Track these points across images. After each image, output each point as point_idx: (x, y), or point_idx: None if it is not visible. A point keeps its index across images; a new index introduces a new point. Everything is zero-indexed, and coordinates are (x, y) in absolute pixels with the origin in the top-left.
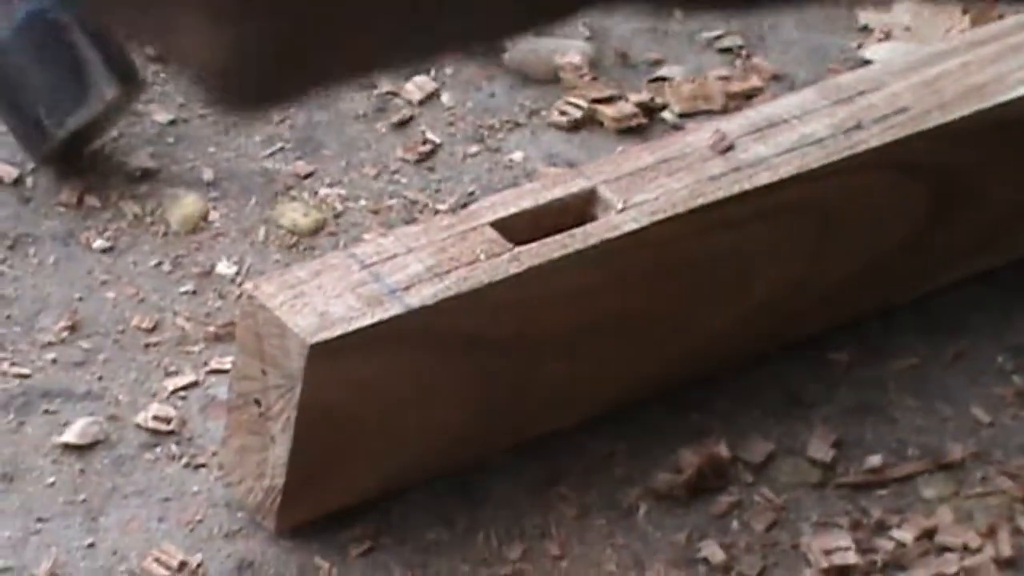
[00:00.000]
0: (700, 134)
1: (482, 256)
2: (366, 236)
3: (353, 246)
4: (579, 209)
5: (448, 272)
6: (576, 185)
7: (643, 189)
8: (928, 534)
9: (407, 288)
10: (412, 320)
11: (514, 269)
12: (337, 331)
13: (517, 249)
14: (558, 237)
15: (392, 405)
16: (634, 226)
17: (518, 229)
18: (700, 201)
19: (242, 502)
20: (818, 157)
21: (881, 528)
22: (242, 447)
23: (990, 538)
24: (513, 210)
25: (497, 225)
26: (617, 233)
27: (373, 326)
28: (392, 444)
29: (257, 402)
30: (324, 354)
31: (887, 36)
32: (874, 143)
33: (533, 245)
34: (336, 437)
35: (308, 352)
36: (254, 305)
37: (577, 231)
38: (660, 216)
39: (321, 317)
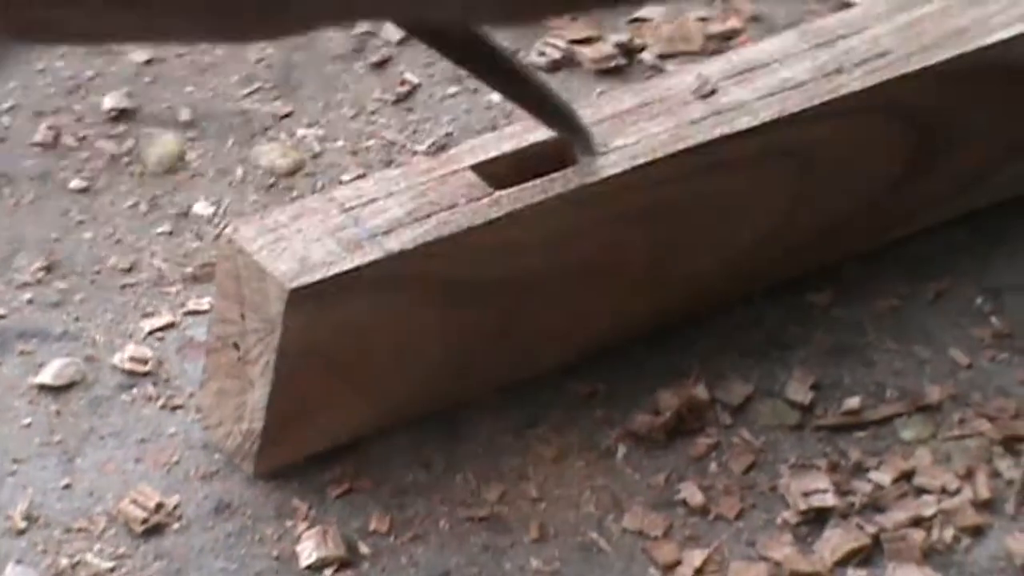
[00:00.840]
0: (681, 77)
1: (462, 200)
2: (344, 177)
3: (333, 189)
4: (560, 153)
5: (428, 216)
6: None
7: (623, 133)
8: (906, 476)
9: (387, 232)
10: (392, 264)
11: (494, 213)
12: (317, 276)
13: (497, 193)
14: (538, 181)
15: (372, 349)
16: (615, 170)
17: (498, 173)
18: (681, 145)
19: (220, 445)
20: (799, 101)
21: (859, 470)
22: (220, 390)
23: (968, 480)
24: (493, 153)
25: (477, 169)
26: (597, 177)
27: (353, 271)
28: (371, 388)
29: (236, 345)
30: (304, 299)
31: None
32: (855, 87)
33: (513, 189)
34: (315, 381)
35: (288, 296)
36: (233, 249)
37: (557, 175)
38: (641, 160)
39: (301, 262)
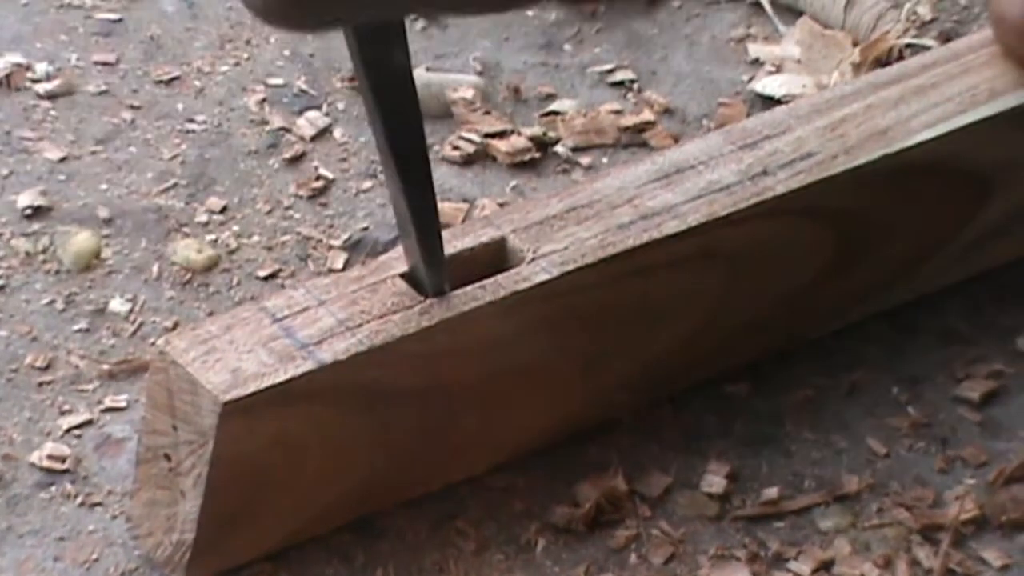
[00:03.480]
0: (607, 181)
1: (393, 309)
2: (260, 273)
3: (264, 299)
4: (489, 258)
5: (360, 326)
6: (486, 235)
7: (552, 238)
8: (826, 566)
9: (319, 343)
10: (325, 376)
11: (425, 322)
12: (250, 388)
13: (428, 302)
14: (468, 289)
15: (303, 458)
16: (544, 277)
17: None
18: (610, 251)
19: (151, 555)
20: (726, 204)
21: (779, 560)
22: (151, 501)
23: (887, 569)
24: None
25: (406, 277)
26: (528, 284)
27: (286, 382)
28: (302, 497)
29: (167, 457)
30: (237, 411)
31: (778, 69)
32: (781, 189)
33: (443, 298)
34: (247, 491)
35: (221, 409)
36: (165, 361)
37: (487, 282)
38: (570, 266)
39: (233, 374)
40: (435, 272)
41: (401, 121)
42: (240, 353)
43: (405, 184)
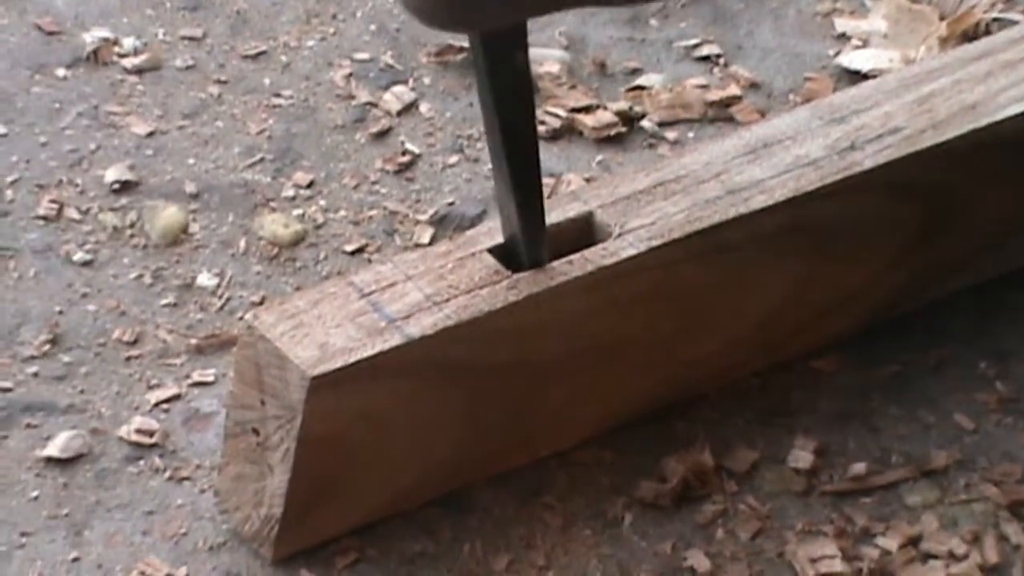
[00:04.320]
0: (695, 155)
1: (481, 284)
2: (347, 248)
3: (351, 273)
4: (576, 233)
5: (447, 300)
6: (573, 209)
7: (639, 213)
8: (913, 541)
9: (407, 318)
10: (412, 350)
11: (513, 297)
12: (337, 363)
13: (515, 276)
14: (556, 264)
15: (390, 433)
16: (631, 252)
17: (516, 255)
18: (697, 226)
19: (239, 530)
20: (813, 179)
21: (866, 535)
22: (239, 475)
23: (975, 545)
24: None
25: (495, 251)
26: (615, 260)
27: (373, 357)
28: (389, 471)
29: (255, 431)
30: (324, 386)
31: (864, 43)
32: (868, 164)
33: (531, 272)
34: (334, 466)
35: (309, 384)
36: (254, 335)
37: (575, 258)
38: (657, 241)
39: (321, 348)
40: (535, 243)
41: (517, 117)
42: (328, 328)
43: (512, 169)
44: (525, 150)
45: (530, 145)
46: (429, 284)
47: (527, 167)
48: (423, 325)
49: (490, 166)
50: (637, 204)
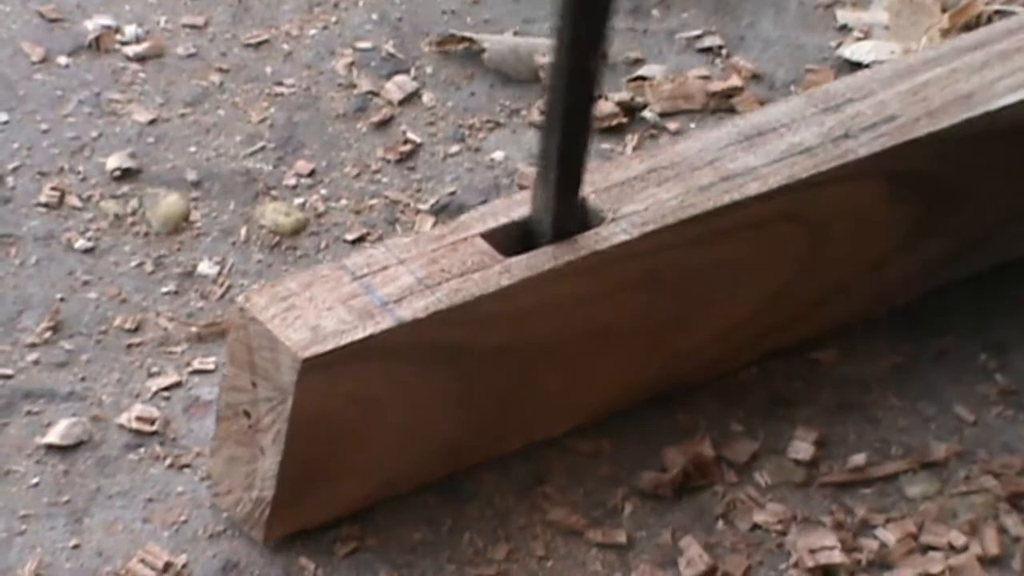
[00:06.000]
0: (688, 142)
1: (473, 268)
2: (348, 237)
3: (343, 256)
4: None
5: (439, 284)
6: None
7: (632, 199)
8: (912, 533)
9: (398, 301)
10: (403, 333)
11: (505, 281)
12: (329, 345)
13: (508, 261)
14: (548, 248)
15: (382, 417)
16: (624, 237)
17: (508, 240)
18: (690, 212)
19: (230, 512)
20: (807, 167)
21: (865, 527)
22: (231, 458)
23: (974, 537)
24: (503, 220)
25: (487, 236)
26: (607, 245)
27: (365, 340)
28: (381, 455)
29: (247, 414)
30: (316, 368)
31: (866, 35)
32: (863, 152)
33: (523, 257)
34: (326, 449)
35: (300, 366)
36: (245, 318)
37: (566, 242)
38: (650, 227)
39: (313, 331)
40: (564, 213)
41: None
42: (320, 310)
43: (566, 125)
44: (586, 99)
45: (590, 99)
46: (421, 268)
47: (582, 123)
48: (415, 308)
49: (490, 156)
50: (631, 190)
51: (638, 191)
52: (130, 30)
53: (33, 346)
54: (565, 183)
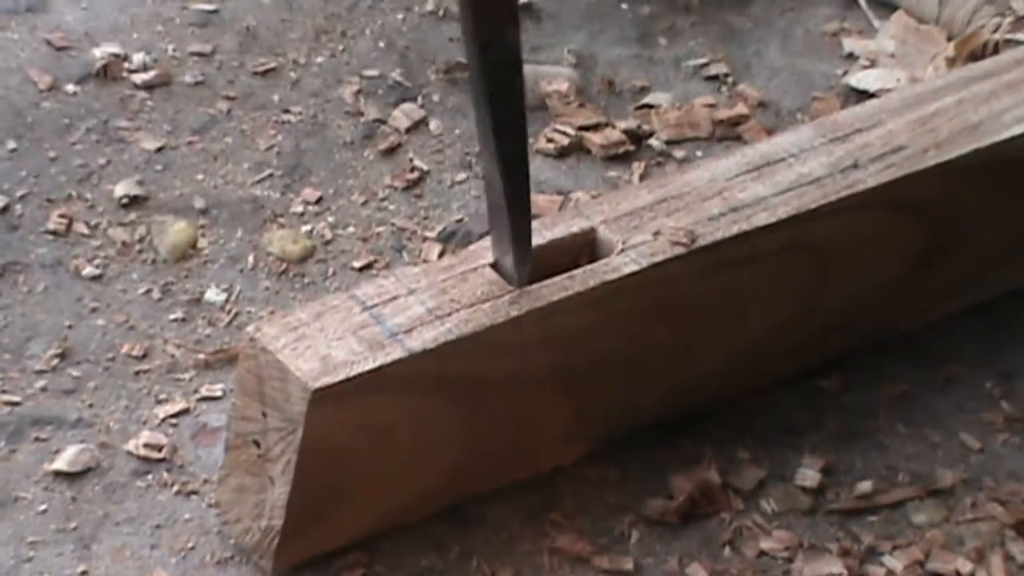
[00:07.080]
0: (697, 172)
1: (482, 298)
2: (355, 264)
3: (352, 285)
4: (578, 249)
5: (449, 315)
6: (575, 225)
7: (642, 229)
8: (919, 560)
9: (408, 331)
10: (413, 364)
11: (515, 312)
12: (339, 376)
13: (517, 291)
14: (558, 279)
15: (391, 446)
16: (633, 268)
17: None
18: (699, 242)
19: (239, 541)
20: (815, 197)
21: (872, 554)
22: (240, 486)
23: (981, 564)
24: None
25: (496, 266)
26: (616, 275)
27: (375, 370)
28: (391, 484)
29: (256, 443)
30: (326, 399)
31: (872, 63)
32: (871, 183)
33: (533, 287)
34: (335, 479)
35: (310, 397)
36: (256, 347)
37: (577, 273)
38: (659, 258)
39: (323, 361)
40: (522, 262)
41: (507, 104)
42: (330, 340)
43: (504, 166)
44: (516, 140)
45: (521, 144)
46: (431, 298)
47: (518, 165)
48: (425, 339)
49: None
50: (640, 220)
51: (647, 221)
52: (138, 58)
53: (41, 373)
54: (517, 235)
